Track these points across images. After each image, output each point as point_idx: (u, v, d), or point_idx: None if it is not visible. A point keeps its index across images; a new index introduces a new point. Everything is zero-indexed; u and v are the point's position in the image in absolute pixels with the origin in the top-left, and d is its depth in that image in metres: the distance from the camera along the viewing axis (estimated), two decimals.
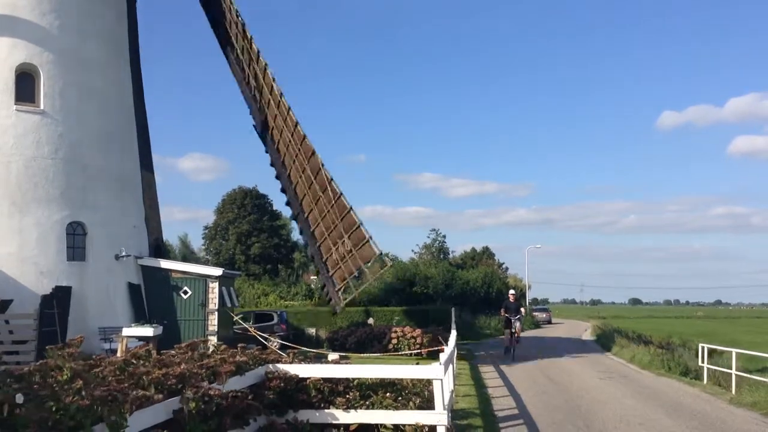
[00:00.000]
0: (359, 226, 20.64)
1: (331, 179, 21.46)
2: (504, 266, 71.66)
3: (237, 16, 23.52)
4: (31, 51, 19.42)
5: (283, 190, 25.15)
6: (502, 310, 23.40)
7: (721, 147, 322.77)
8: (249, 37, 23.33)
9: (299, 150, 22.69)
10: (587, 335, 43.46)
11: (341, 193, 21.24)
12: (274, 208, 59.41)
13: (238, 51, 24.94)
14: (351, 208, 21.02)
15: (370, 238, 20.22)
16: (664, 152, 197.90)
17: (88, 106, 20.35)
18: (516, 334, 22.67)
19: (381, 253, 20.88)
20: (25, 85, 19.38)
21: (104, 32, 21.35)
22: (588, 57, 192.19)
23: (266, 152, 25.36)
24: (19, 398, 3.73)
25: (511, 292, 24.43)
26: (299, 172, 23.23)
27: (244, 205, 56.72)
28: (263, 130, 25.03)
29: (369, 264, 21.82)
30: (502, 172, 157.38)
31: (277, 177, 25.23)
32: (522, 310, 23.39)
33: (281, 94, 22.81)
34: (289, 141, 23.16)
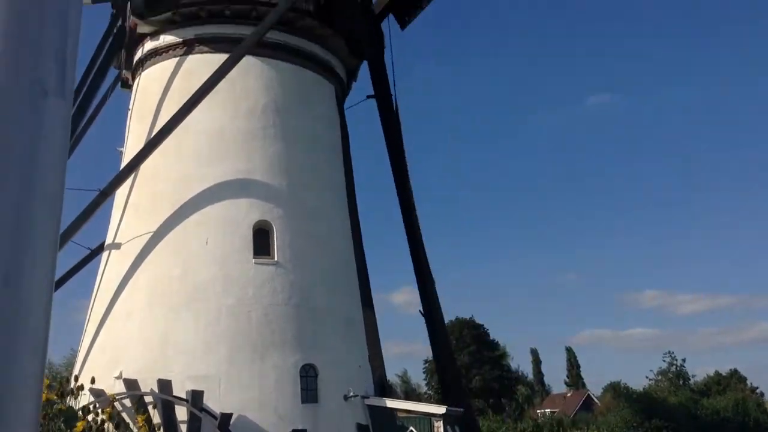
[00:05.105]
0: None
1: None
2: (759, 391, 63.00)
3: None
4: (264, 209, 21.44)
5: None
6: None
7: None
8: None
9: None
10: None
11: None
12: (491, 337, 58.45)
13: None
14: None
15: None
16: None
17: (315, 253, 21.73)
18: None
19: None
20: (261, 239, 21.27)
21: (326, 183, 23.12)
22: None
23: None
24: None
25: None
26: None
27: (462, 336, 56.38)
28: None
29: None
30: (737, 282, 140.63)
31: None
32: None
33: None
34: None
